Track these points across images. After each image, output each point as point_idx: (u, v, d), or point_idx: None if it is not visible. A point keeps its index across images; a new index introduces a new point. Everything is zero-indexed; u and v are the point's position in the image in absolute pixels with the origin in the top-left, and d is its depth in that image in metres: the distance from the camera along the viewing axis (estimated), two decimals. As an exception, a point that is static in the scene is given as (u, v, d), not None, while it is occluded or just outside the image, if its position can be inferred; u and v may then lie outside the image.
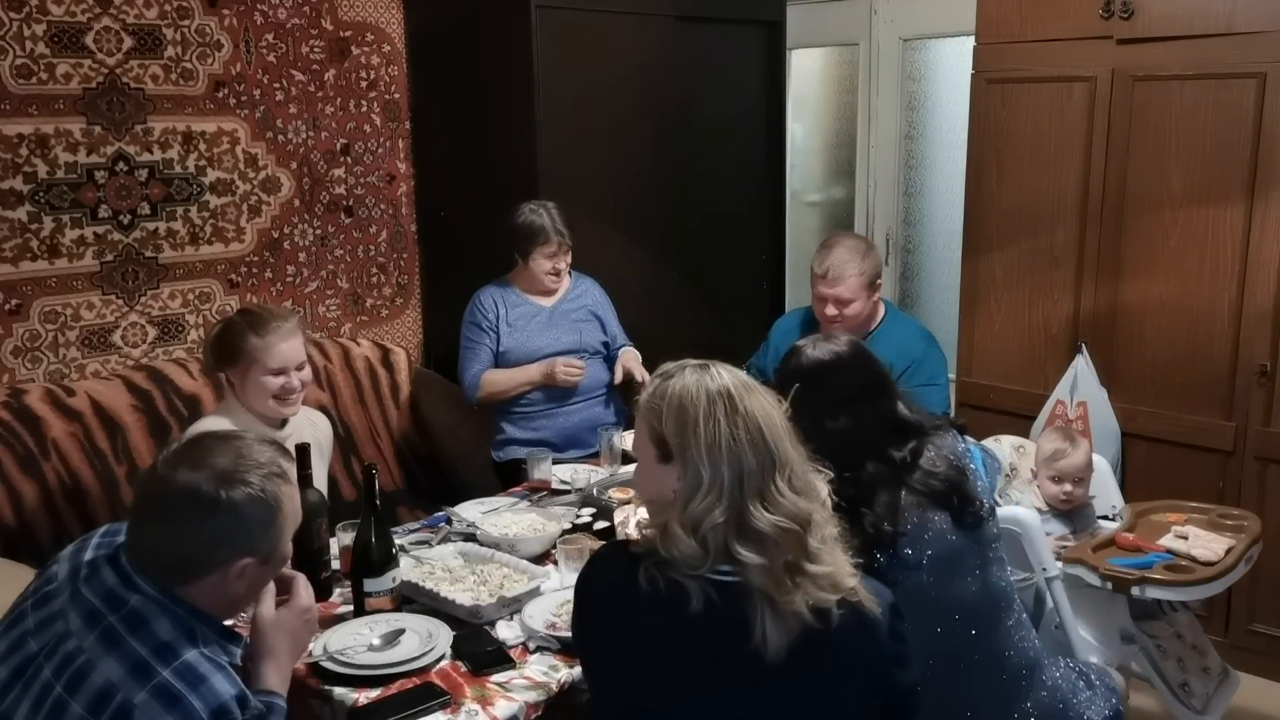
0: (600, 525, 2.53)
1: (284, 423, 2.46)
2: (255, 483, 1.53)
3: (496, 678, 1.90)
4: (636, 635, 1.51)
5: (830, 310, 2.97)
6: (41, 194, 3.15)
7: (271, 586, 1.67)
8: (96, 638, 1.45)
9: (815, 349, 1.93)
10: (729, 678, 1.47)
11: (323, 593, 2.14)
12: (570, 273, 3.35)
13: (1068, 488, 2.68)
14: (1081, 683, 2.05)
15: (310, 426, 2.59)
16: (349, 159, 3.83)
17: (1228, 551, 2.49)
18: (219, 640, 1.54)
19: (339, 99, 3.77)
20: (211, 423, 2.30)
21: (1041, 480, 2.73)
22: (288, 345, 2.40)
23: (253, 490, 1.53)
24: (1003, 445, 2.89)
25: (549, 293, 3.32)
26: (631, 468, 2.21)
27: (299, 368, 2.43)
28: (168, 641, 1.46)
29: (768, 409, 1.50)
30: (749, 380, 1.54)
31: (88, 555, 1.57)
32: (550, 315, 3.30)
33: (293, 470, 1.63)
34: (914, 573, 1.84)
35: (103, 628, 1.46)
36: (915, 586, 1.83)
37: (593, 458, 3.08)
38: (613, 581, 1.54)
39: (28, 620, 1.53)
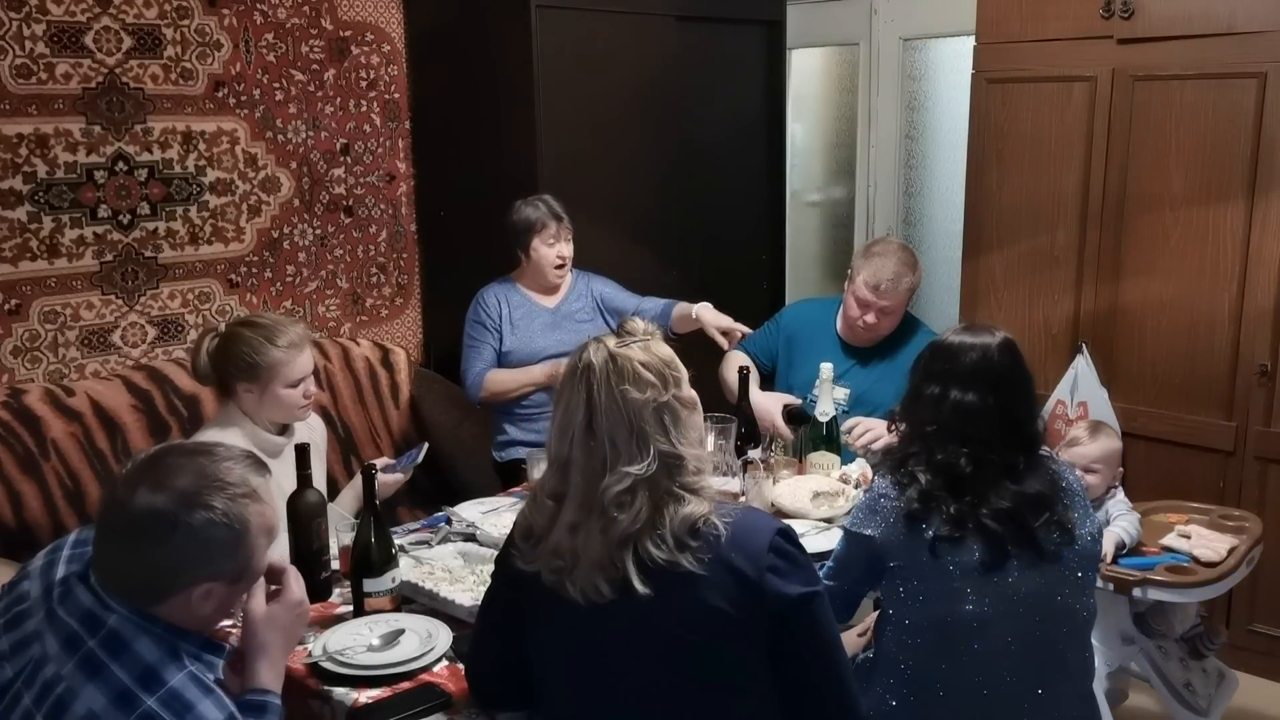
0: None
1: (286, 427, 2.45)
2: (219, 506, 1.45)
3: (496, 678, 1.89)
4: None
5: (870, 318, 2.98)
6: (41, 194, 3.15)
7: (262, 581, 1.62)
8: (76, 664, 1.39)
9: (972, 334, 1.98)
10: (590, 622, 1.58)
11: (322, 593, 2.14)
12: (570, 271, 3.35)
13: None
14: None
15: (305, 428, 2.58)
16: (349, 159, 3.83)
17: (1230, 552, 2.49)
18: (201, 652, 1.48)
19: (339, 99, 3.77)
20: (214, 434, 2.28)
21: None
22: (305, 356, 2.39)
23: (214, 515, 1.45)
24: None
25: (554, 289, 3.31)
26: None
27: (313, 374, 2.44)
28: (151, 665, 1.41)
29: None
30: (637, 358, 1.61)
31: (60, 572, 1.51)
32: (553, 316, 3.30)
33: (267, 485, 1.56)
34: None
35: (82, 654, 1.40)
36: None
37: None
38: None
39: (1, 642, 1.47)
